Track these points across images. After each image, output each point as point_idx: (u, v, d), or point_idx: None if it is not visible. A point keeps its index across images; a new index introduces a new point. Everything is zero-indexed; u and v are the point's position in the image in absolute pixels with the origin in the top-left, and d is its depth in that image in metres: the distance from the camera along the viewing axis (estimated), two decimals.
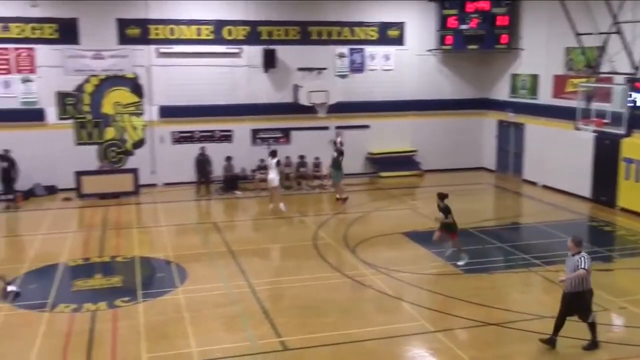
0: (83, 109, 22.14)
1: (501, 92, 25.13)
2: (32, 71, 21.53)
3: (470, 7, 24.04)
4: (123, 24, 22.10)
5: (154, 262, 14.73)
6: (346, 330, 10.76)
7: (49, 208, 20.08)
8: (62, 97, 21.90)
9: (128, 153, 22.78)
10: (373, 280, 13.19)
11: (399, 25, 24.77)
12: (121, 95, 22.46)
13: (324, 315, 11.40)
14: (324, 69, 23.97)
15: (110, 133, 22.52)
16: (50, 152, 21.52)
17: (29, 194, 21.18)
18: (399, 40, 24.86)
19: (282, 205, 18.85)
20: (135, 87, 22.56)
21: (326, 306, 11.82)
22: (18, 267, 14.17)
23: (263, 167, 21.80)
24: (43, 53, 21.49)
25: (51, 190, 21.72)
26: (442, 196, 14.23)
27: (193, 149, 22.42)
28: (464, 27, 24.18)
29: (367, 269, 13.83)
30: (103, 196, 20.91)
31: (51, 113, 21.81)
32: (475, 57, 25.43)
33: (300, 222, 18.64)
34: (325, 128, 24.02)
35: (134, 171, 21.92)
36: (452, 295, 12.24)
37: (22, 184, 20.86)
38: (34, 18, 21.25)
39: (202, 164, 22.07)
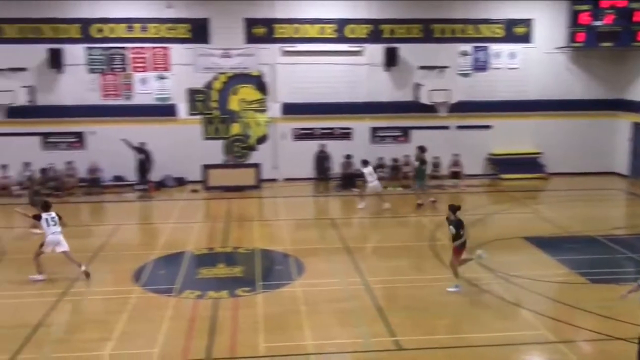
0: (211, 105, 23.21)
1: (637, 92, 23.58)
2: (166, 69, 22.85)
3: (605, 2, 22.76)
4: (250, 23, 22.91)
5: (273, 255, 15.19)
6: (461, 334, 10.58)
7: (178, 199, 21.24)
8: (193, 94, 23.08)
9: (251, 148, 23.62)
10: (491, 284, 12.85)
11: (527, 22, 23.89)
12: (247, 92, 23.32)
13: (439, 317, 11.27)
14: (446, 67, 23.59)
15: (235, 129, 23.46)
16: (180, 146, 22.72)
17: (161, 185, 22.51)
18: (525, 38, 23.98)
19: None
20: (260, 84, 23.34)
21: (441, 308, 11.67)
22: (149, 253, 15.12)
23: (381, 166, 21.86)
24: (177, 52, 22.74)
25: (180, 182, 22.96)
26: (453, 208, 12.56)
27: (313, 146, 22.84)
28: (597, 23, 22.94)
29: (485, 273, 13.49)
30: (227, 189, 21.82)
31: (182, 109, 23.05)
32: (609, 55, 24.02)
33: (417, 222, 18.50)
34: (446, 127, 23.67)
35: (256, 166, 22.70)
36: (576, 306, 11.68)
37: (154, 175, 22.22)
38: (170, 19, 22.53)
39: (322, 160, 22.44)
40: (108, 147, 22.08)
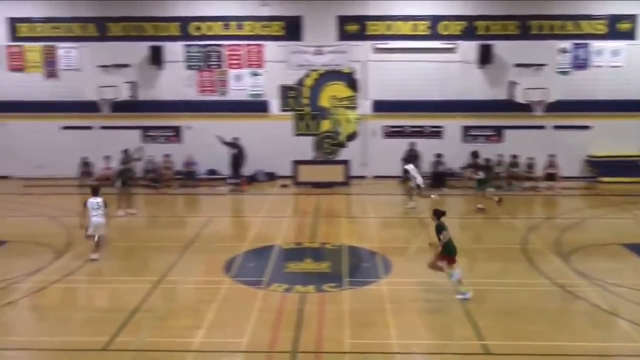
0: (302, 102, 23.51)
1: None
2: (260, 66, 23.35)
3: None
4: (342, 20, 23.02)
5: (360, 252, 15.21)
6: (554, 342, 10.20)
7: (268, 193, 21.68)
8: (285, 90, 23.46)
9: (341, 145, 23.75)
10: (586, 292, 12.33)
11: (631, 18, 22.71)
12: (337, 89, 23.46)
13: (530, 323, 10.92)
14: (544, 65, 22.79)
15: (325, 125, 23.66)
16: (271, 141, 23.17)
17: (252, 179, 23.04)
18: (630, 34, 22.80)
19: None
20: (351, 81, 23.41)
21: (533, 314, 11.31)
22: (240, 245, 15.51)
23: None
24: (270, 49, 23.19)
25: (271, 176, 23.43)
26: (438, 213, 12.21)
27: (403, 144, 22.68)
28: None
29: (580, 279, 12.95)
30: (316, 185, 22.06)
31: (274, 105, 23.48)
32: None
33: (509, 224, 18.00)
34: (541, 127, 22.89)
35: (345, 163, 22.80)
36: None
37: (247, 170, 22.78)
38: (264, 17, 23.01)
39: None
40: (203, 141, 22.86)
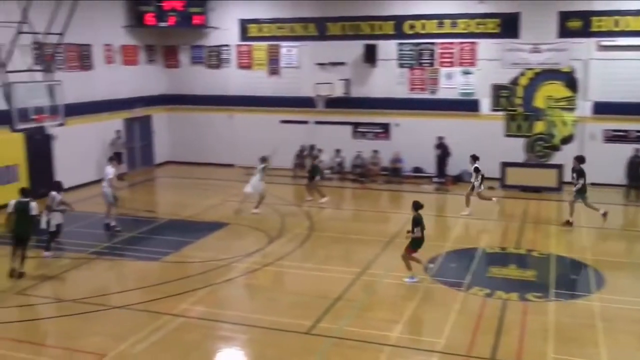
0: (515, 102, 22.63)
1: None
2: (472, 64, 22.91)
3: None
4: (564, 16, 21.69)
5: (570, 263, 14.33)
6: None
7: (473, 194, 21.19)
8: (497, 90, 22.76)
9: (555, 148, 22.45)
10: None
11: None
12: (554, 89, 22.19)
13: None
14: None
15: (539, 127, 22.52)
16: (480, 142, 22.56)
17: (458, 179, 22.71)
18: None
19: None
20: (570, 81, 22.00)
21: None
22: (441, 244, 15.45)
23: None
24: (484, 47, 22.63)
25: None
26: (415, 205, 12.77)
27: (627, 150, 20.84)
28: None
29: None
30: (525, 189, 21.13)
31: (485, 104, 22.90)
32: None
33: None
34: None
35: (559, 167, 21.53)
36: None
37: (452, 169, 22.53)
38: (479, 14, 22.50)
39: (636, 166, 20.36)
40: (410, 139, 23.05)
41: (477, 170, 18.24)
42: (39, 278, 13.30)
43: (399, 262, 14.27)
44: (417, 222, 12.78)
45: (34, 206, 13.34)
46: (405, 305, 11.67)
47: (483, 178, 18.34)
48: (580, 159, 17.50)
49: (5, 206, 13.68)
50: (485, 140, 22.55)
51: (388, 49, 23.67)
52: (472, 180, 18.37)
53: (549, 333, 10.49)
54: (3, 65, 16.99)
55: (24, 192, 13.64)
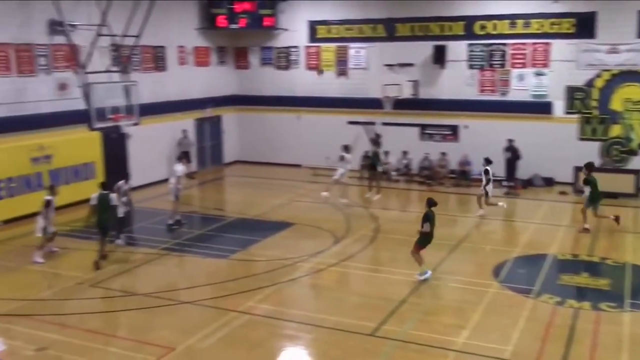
0: (590, 104, 21.87)
1: None
2: (545, 65, 22.30)
3: None
4: None
5: None
6: None
7: (544, 199, 20.67)
8: (571, 92, 22.05)
9: (632, 153, 21.57)
10: None
11: None
12: (633, 91, 21.30)
13: None
14: None
15: (615, 130, 21.68)
16: (552, 145, 22.00)
17: (528, 184, 22.16)
18: None
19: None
20: None
21: None
22: (510, 250, 15.13)
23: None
24: (557, 47, 21.99)
25: (548, 182, 22.27)
26: (429, 202, 13.03)
27: None
28: None
29: None
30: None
31: (558, 106, 22.23)
32: None
33: None
34: None
35: (636, 172, 20.67)
36: None
37: (521, 173, 21.99)
38: (554, 14, 21.87)
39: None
40: (479, 141, 22.66)
41: (487, 172, 18.21)
42: (113, 272, 13.79)
43: (466, 267, 14.12)
44: (428, 218, 12.95)
45: (114, 197, 14.53)
46: (471, 310, 11.48)
47: (489, 182, 18.21)
48: (589, 166, 17.27)
49: (84, 201, 14.36)
50: (558, 143, 21.93)
51: (458, 49, 23.33)
52: (483, 183, 18.26)
53: (624, 344, 10.11)
54: (83, 66, 17.71)
55: (103, 185, 14.72)
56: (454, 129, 23.86)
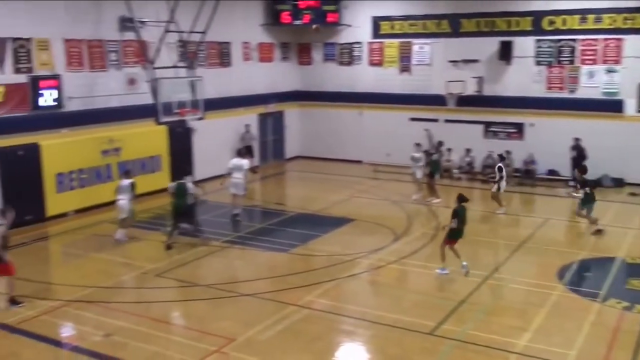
0: None
1: None
2: (617, 62, 21.52)
3: None
4: None
5: None
6: None
7: (613, 200, 19.97)
8: None
9: None
10: None
11: None
12: None
13: None
14: None
15: None
16: (622, 145, 21.23)
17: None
18: None
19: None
20: None
21: None
22: (576, 252, 14.71)
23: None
24: (631, 43, 21.18)
25: (618, 182, 21.50)
26: (460, 198, 13.15)
27: None
28: None
29: None
30: None
31: (630, 105, 21.41)
32: None
33: None
34: None
35: None
36: None
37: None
38: (627, 8, 21.08)
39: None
40: (545, 140, 22.10)
41: (500, 169, 18.17)
42: (176, 262, 14.16)
43: (529, 268, 13.84)
44: (457, 214, 13.04)
45: (191, 186, 15.42)
46: (534, 313, 11.23)
47: (502, 179, 18.14)
48: (582, 170, 17.02)
49: (151, 193, 14.95)
50: (629, 143, 21.17)
51: (525, 45, 22.79)
52: (496, 178, 18.26)
53: None
54: (151, 62, 18.21)
55: (181, 174, 15.97)
56: (519, 127, 23.33)
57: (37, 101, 17.28)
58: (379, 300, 12.33)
